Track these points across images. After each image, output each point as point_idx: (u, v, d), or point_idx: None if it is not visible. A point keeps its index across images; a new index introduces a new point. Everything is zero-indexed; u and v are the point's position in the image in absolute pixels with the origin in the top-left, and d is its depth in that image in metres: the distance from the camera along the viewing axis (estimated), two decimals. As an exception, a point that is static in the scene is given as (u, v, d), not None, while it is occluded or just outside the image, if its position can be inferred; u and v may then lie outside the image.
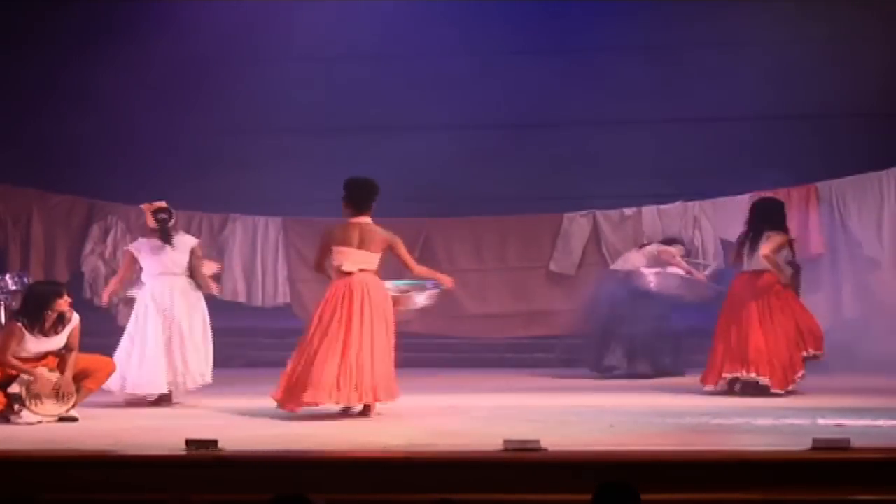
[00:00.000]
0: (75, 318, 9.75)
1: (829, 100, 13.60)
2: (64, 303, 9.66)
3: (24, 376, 9.48)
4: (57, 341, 9.69)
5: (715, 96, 13.95)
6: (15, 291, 11.55)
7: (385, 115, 14.38)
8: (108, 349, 10.57)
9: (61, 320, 9.67)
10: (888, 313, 12.57)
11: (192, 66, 14.53)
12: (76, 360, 9.71)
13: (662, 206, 13.40)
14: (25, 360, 9.61)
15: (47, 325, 9.62)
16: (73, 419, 9.58)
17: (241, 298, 13.73)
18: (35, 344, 9.61)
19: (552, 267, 13.58)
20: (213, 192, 13.90)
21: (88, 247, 13.98)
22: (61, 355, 9.73)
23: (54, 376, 9.56)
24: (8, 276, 12.04)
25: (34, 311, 9.63)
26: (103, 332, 11.64)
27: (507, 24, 14.49)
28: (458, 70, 14.33)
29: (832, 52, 13.59)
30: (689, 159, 13.70)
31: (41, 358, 9.69)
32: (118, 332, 11.16)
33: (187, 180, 13.39)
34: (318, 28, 14.17)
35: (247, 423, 9.33)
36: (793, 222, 12.60)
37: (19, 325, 9.58)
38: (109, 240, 13.87)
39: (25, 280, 11.83)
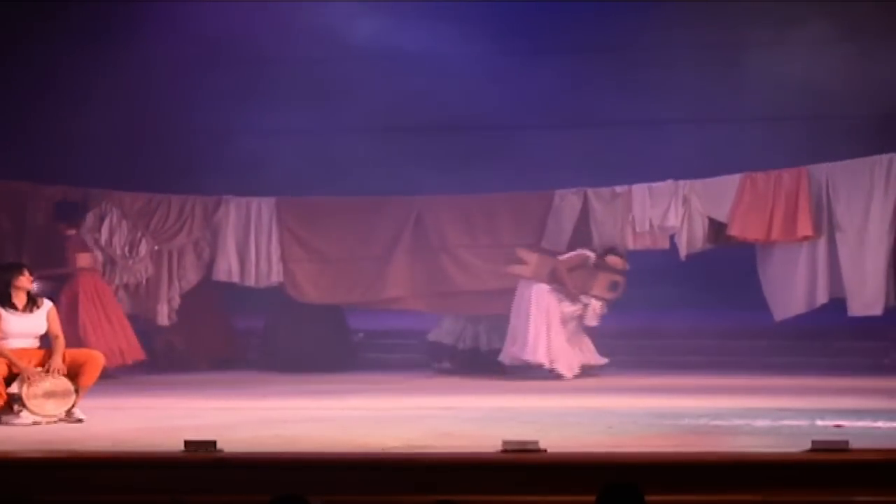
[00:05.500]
0: (47, 303, 10.01)
1: (829, 100, 13.57)
2: (26, 279, 9.91)
3: (23, 374, 9.52)
4: (37, 319, 9.87)
5: (715, 97, 13.93)
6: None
7: (382, 115, 14.36)
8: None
9: (34, 301, 9.90)
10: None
11: (188, 59, 14.54)
12: (63, 344, 9.86)
13: (653, 185, 13.32)
14: (20, 349, 9.72)
15: (20, 303, 9.83)
16: (79, 420, 9.58)
17: (235, 278, 13.67)
18: (16, 323, 9.79)
19: (543, 244, 13.50)
20: (206, 183, 13.88)
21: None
22: (48, 350, 9.82)
23: (48, 377, 9.58)
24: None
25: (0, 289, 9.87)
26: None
27: (506, 25, 14.48)
28: (455, 70, 14.33)
29: (832, 52, 13.58)
30: (690, 159, 13.67)
31: (29, 339, 9.82)
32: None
33: (181, 170, 13.41)
34: (313, 29, 14.17)
35: (245, 424, 9.32)
36: (782, 204, 12.59)
37: None
38: (104, 227, 13.76)
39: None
